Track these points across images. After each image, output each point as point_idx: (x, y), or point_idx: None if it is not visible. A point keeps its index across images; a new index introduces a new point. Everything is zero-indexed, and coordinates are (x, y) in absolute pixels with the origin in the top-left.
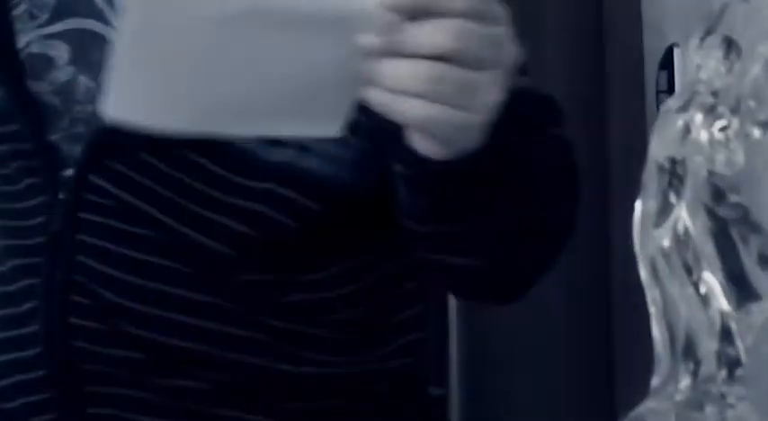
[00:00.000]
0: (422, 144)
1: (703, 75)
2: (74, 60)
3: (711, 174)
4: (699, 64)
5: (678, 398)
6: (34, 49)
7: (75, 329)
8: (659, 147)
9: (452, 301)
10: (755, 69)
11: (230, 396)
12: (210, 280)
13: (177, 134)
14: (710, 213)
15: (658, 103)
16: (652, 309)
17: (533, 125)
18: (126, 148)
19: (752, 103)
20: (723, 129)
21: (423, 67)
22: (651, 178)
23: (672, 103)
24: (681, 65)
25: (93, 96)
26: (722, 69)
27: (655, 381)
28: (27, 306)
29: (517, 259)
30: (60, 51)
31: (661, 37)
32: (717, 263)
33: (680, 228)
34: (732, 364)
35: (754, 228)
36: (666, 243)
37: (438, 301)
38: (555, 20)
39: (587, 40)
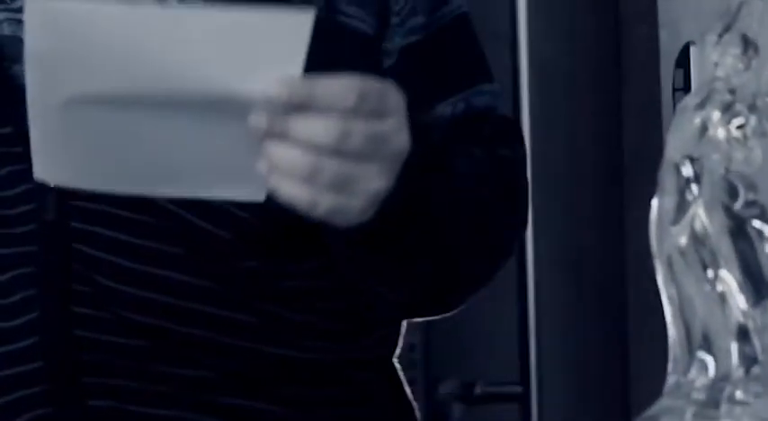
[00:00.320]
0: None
1: (720, 72)
2: None
3: (728, 171)
4: (716, 61)
5: (694, 396)
6: (6, 30)
7: (74, 317)
8: (676, 146)
9: None
10: None
11: (230, 383)
12: (209, 265)
13: (106, 192)
14: (728, 211)
15: (675, 101)
16: (669, 308)
17: (462, 154)
18: None
19: None
20: (740, 126)
21: (301, 157)
22: (668, 176)
23: (689, 100)
24: (697, 63)
25: None
26: (740, 67)
27: (670, 379)
28: (20, 295)
29: (445, 289)
30: None
31: (677, 35)
32: (734, 260)
33: (697, 226)
34: (749, 362)
35: None
36: (683, 241)
37: None
38: (571, 18)
39: (603, 38)
